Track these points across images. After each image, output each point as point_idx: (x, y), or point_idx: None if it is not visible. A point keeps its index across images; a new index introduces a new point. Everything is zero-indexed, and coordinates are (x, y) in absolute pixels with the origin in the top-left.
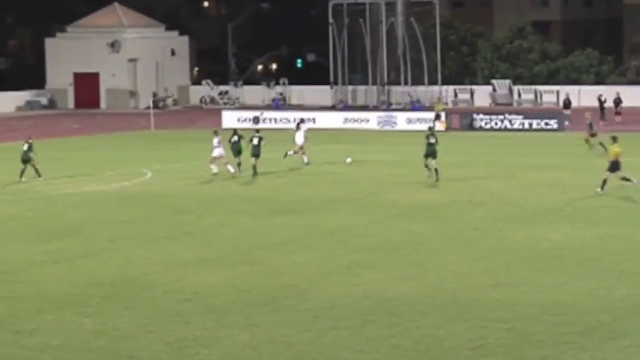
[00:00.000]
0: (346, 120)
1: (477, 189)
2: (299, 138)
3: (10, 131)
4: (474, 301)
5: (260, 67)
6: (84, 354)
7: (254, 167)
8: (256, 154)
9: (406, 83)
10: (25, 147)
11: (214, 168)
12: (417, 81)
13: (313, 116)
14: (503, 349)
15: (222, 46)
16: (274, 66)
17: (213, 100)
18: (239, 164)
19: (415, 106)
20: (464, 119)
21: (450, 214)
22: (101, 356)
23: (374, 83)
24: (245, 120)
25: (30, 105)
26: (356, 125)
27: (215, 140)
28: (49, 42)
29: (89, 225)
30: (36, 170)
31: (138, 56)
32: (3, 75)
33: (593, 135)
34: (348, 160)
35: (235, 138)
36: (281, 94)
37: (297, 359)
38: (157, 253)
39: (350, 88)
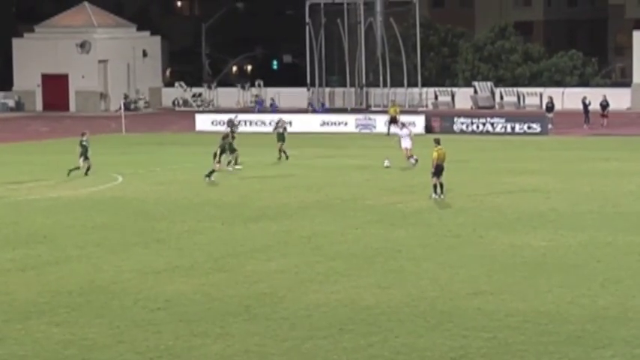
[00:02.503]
0: (324, 123)
1: (457, 194)
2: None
3: None
4: (454, 310)
5: (235, 68)
6: None
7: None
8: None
9: (385, 85)
10: None
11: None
12: (397, 83)
13: (289, 119)
14: (485, 359)
15: (196, 46)
16: (249, 67)
17: (186, 103)
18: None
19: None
20: (444, 122)
21: (430, 220)
22: None
23: (352, 85)
24: (219, 123)
25: None
26: (334, 128)
27: None
28: (16, 42)
29: (57, 231)
30: None
31: (108, 57)
32: None
33: None
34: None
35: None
36: (256, 95)
37: None
38: (128, 261)
39: (327, 90)
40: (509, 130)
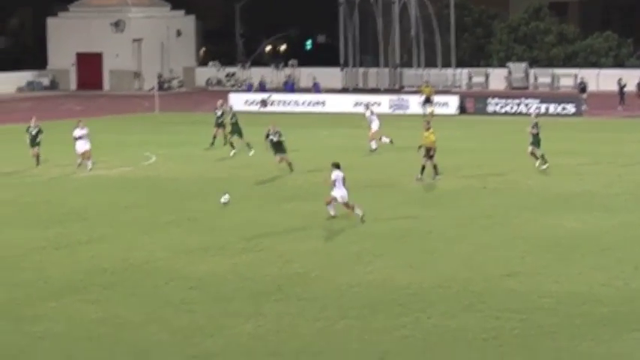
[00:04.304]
0: (357, 103)
1: (491, 175)
2: None
3: (10, 113)
4: (487, 291)
5: (268, 48)
6: (86, 342)
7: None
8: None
9: (419, 65)
10: (33, 132)
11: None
12: (430, 63)
13: (323, 99)
14: (517, 340)
15: (230, 26)
16: (283, 47)
17: (219, 82)
18: (248, 144)
19: None
20: (478, 103)
21: (462, 201)
22: (104, 345)
23: (386, 65)
24: (252, 102)
25: (31, 86)
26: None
27: None
28: (50, 21)
29: (91, 210)
30: (38, 157)
31: (142, 36)
32: (3, 55)
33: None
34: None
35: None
36: (289, 76)
37: (304, 350)
38: (161, 240)
39: (361, 70)
40: (543, 110)
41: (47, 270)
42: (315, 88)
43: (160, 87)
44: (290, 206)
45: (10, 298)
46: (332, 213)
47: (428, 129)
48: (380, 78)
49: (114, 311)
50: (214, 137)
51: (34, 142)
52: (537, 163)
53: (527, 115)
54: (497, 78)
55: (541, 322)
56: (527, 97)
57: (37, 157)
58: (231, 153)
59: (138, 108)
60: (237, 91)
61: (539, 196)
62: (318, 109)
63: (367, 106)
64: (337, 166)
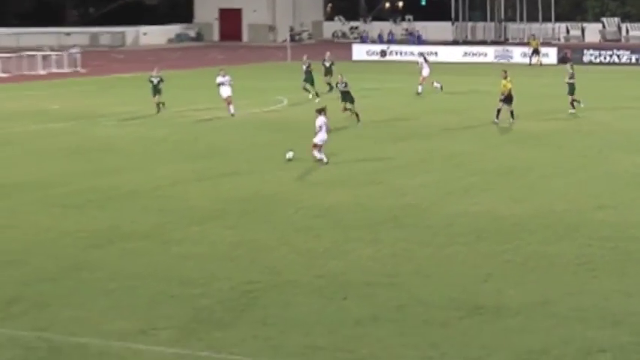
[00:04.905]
0: (466, 54)
1: (585, 119)
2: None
3: (161, 61)
4: (580, 222)
5: (387, 4)
6: (225, 262)
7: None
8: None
9: (522, 20)
10: (155, 80)
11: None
12: (532, 18)
13: (435, 50)
14: (607, 265)
15: None
16: (400, 3)
17: (344, 35)
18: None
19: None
20: (575, 54)
21: (560, 142)
22: (240, 265)
23: (492, 20)
24: (373, 53)
25: (179, 38)
26: (475, 59)
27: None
28: None
29: (231, 147)
30: (159, 104)
31: None
32: (155, 10)
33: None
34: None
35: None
36: (406, 29)
37: (417, 272)
38: (291, 174)
39: (469, 24)
40: (633, 61)
41: (191, 199)
42: (419, 40)
43: (292, 39)
44: (405, 145)
45: (160, 223)
46: (320, 158)
47: (505, 77)
48: (486, 31)
49: (249, 235)
50: (329, 85)
51: (155, 90)
52: (571, 110)
53: (620, 64)
54: (592, 31)
55: (629, 248)
56: (619, 49)
57: (158, 104)
58: (310, 96)
59: (272, 57)
60: (360, 42)
61: (629, 137)
62: (431, 58)
63: (421, 54)
64: (320, 111)
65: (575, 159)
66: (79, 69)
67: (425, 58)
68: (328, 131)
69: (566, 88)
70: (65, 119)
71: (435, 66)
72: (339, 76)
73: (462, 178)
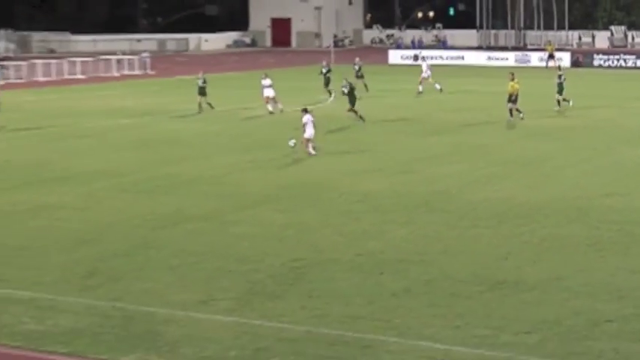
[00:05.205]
0: (489, 58)
1: (595, 116)
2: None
3: (220, 64)
4: (589, 207)
5: (420, 14)
6: (275, 242)
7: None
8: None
9: (539, 28)
10: (200, 82)
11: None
12: (548, 26)
13: (462, 55)
14: (614, 246)
15: None
16: (431, 13)
17: (381, 41)
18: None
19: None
20: (586, 58)
21: (571, 137)
22: (289, 244)
23: (512, 28)
24: (407, 57)
25: (236, 44)
26: (497, 62)
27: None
28: None
29: (280, 140)
30: (201, 104)
31: (322, 5)
32: (215, 20)
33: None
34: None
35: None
36: (436, 36)
37: (445, 250)
38: (335, 164)
39: (493, 31)
40: (638, 65)
41: (245, 185)
42: (444, 45)
43: (335, 45)
44: (435, 138)
45: (218, 206)
46: (312, 152)
47: (512, 79)
48: (508, 38)
49: (297, 218)
50: (366, 85)
51: (201, 92)
52: (556, 108)
53: (626, 68)
54: (601, 38)
55: (634, 231)
56: (625, 54)
57: (200, 105)
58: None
59: (317, 61)
60: (396, 48)
61: (634, 133)
62: (459, 62)
63: (423, 57)
64: (306, 110)
65: (585, 151)
66: (148, 71)
67: (426, 63)
68: (314, 127)
69: (556, 88)
70: (136, 115)
71: (461, 69)
72: (344, 80)
73: (485, 168)
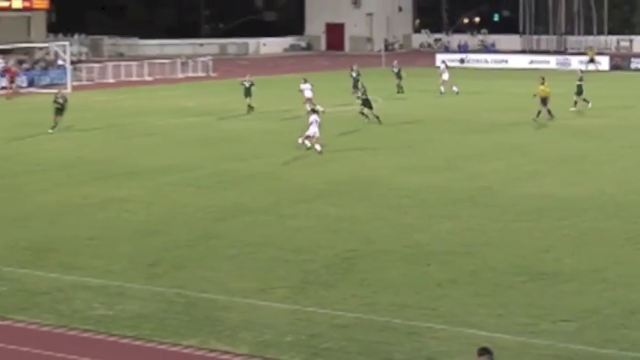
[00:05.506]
0: (532, 62)
1: (632, 116)
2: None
3: (278, 67)
4: (627, 203)
5: (466, 20)
6: (330, 234)
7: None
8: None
9: (579, 33)
10: (247, 84)
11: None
12: (588, 31)
13: (506, 58)
14: None
15: (437, 3)
16: (477, 19)
17: (429, 45)
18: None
19: None
20: (624, 62)
21: (609, 135)
22: (341, 236)
23: (554, 33)
24: (452, 61)
25: (292, 47)
26: (539, 66)
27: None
28: (308, 0)
29: (333, 138)
30: (249, 106)
31: (373, 11)
32: (273, 25)
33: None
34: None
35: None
36: (481, 41)
37: (489, 243)
38: (384, 161)
39: (535, 36)
40: None
41: (302, 181)
42: (489, 49)
43: (386, 49)
44: (479, 137)
45: (275, 200)
46: (303, 142)
47: (542, 83)
48: (549, 42)
49: (349, 211)
50: (399, 87)
51: (247, 93)
52: (572, 108)
53: None
54: (638, 43)
55: None
56: None
57: (249, 106)
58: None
59: (369, 64)
60: (442, 52)
61: None
62: (502, 65)
63: (443, 61)
64: (313, 111)
65: (623, 149)
66: (210, 74)
67: (446, 65)
68: (319, 126)
69: (575, 89)
70: (199, 115)
71: (504, 72)
72: (360, 84)
73: (526, 165)
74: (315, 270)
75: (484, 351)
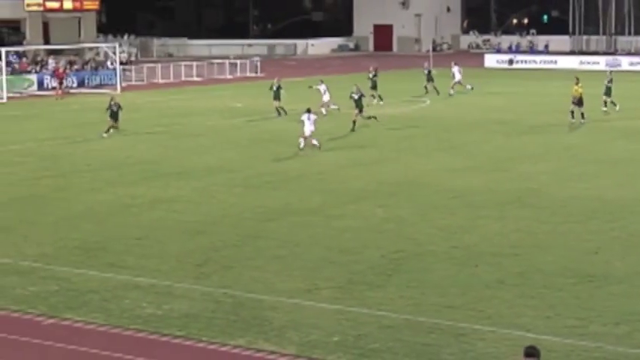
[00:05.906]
0: (581, 62)
1: None
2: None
3: (326, 67)
4: None
5: (515, 20)
6: (376, 234)
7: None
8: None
9: (629, 34)
10: (276, 87)
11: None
12: (638, 32)
13: (555, 59)
14: None
15: (486, 4)
16: (526, 20)
17: (477, 46)
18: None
19: None
20: None
21: None
22: (389, 237)
23: (604, 33)
24: (502, 61)
25: (340, 48)
26: (589, 67)
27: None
28: (356, 0)
29: (380, 139)
30: (279, 109)
31: (422, 12)
32: (320, 26)
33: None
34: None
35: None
36: (530, 42)
37: (537, 244)
38: (431, 162)
39: (584, 37)
40: None
41: (348, 182)
42: (544, 50)
43: (434, 49)
44: (527, 138)
45: (323, 201)
46: (316, 144)
47: (577, 83)
48: (599, 43)
49: (396, 212)
50: (426, 88)
51: (276, 96)
52: (604, 108)
53: None
54: None
55: None
56: None
57: (277, 108)
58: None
59: (417, 65)
60: (491, 52)
61: None
62: (551, 66)
63: (455, 63)
64: (309, 110)
65: None
66: (258, 74)
67: (458, 68)
68: (314, 123)
69: (603, 90)
70: (247, 115)
71: (554, 72)
72: (355, 86)
73: (575, 167)
74: (362, 271)
75: (532, 351)
